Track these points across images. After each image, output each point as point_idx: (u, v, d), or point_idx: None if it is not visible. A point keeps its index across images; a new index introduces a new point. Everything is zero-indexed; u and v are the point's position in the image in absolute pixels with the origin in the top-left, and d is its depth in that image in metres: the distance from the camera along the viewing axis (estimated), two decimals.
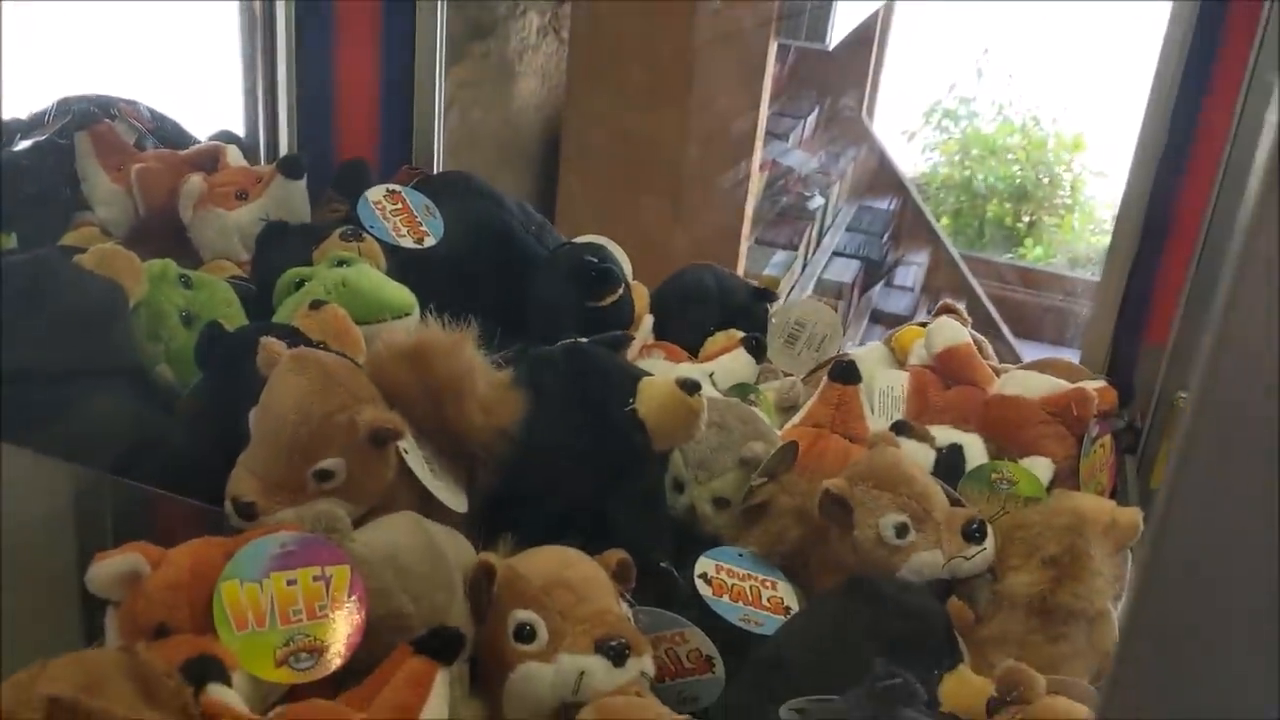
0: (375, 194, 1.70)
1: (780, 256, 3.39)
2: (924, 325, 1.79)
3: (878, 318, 3.93)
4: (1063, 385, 1.62)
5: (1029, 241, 5.61)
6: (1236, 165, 1.53)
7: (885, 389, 1.66)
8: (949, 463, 1.48)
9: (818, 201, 3.66)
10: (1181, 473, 0.47)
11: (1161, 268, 1.78)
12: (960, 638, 1.25)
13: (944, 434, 1.54)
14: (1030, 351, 3.74)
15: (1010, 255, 5.46)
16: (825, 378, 1.55)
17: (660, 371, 1.42)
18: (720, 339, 1.78)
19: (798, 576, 1.36)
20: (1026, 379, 1.66)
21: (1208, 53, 1.66)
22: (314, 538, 1.05)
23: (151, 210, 1.72)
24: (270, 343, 1.18)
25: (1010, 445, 1.57)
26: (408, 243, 1.66)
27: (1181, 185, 1.73)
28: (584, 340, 1.36)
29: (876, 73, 4.53)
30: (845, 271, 3.80)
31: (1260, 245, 0.42)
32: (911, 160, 5.56)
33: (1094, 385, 1.64)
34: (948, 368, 1.68)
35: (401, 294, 1.52)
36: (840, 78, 4.31)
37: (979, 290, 4.39)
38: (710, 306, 1.86)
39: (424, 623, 1.04)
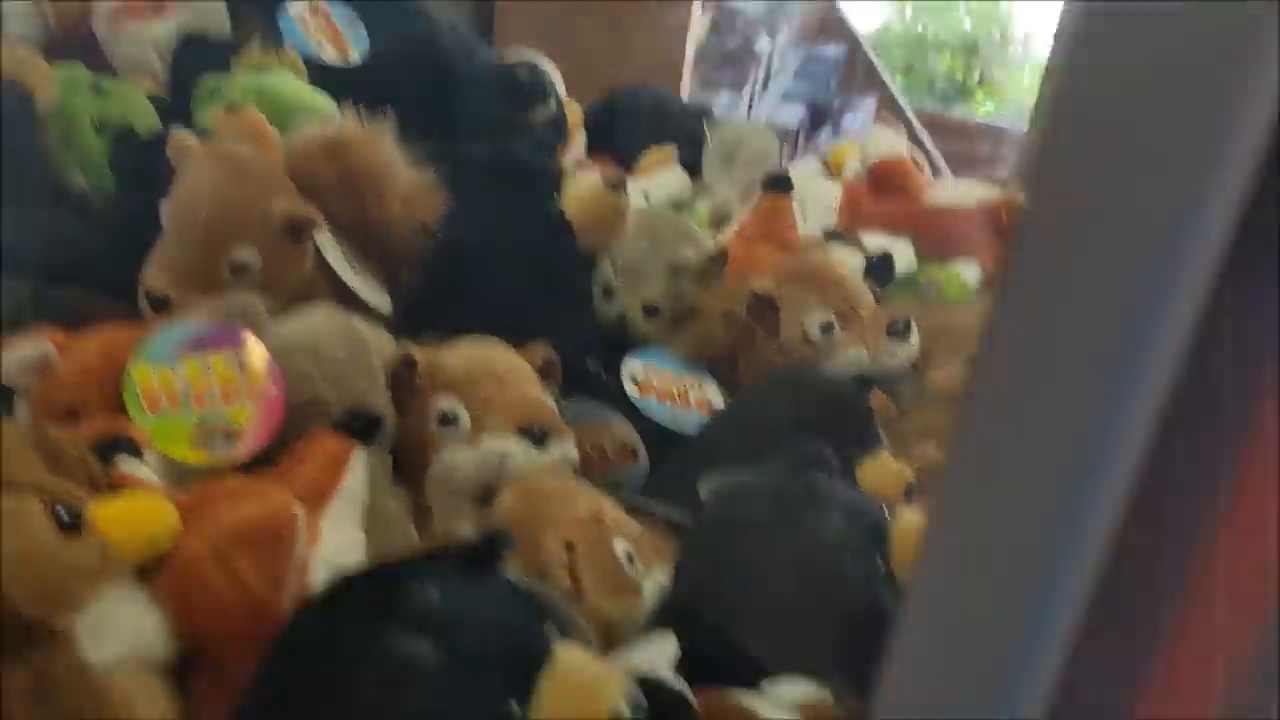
0: (297, 7, 1.64)
1: (726, 98, 3.34)
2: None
3: None
4: (994, 194, 1.62)
5: (980, 95, 5.58)
6: None
7: (817, 199, 1.65)
8: (879, 269, 1.47)
9: (764, 43, 3.59)
10: None
11: None
12: (883, 432, 1.26)
13: (875, 241, 1.54)
14: None
15: (960, 110, 5.42)
16: (759, 188, 1.54)
17: None
18: (654, 154, 1.76)
19: (726, 380, 1.37)
20: (959, 188, 1.65)
21: None
22: (228, 324, 1.03)
23: (64, 26, 1.65)
24: (180, 134, 1.14)
25: (940, 250, 1.57)
26: (330, 56, 1.61)
27: None
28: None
29: None
30: (792, 116, 3.75)
31: None
32: (861, 12, 5.46)
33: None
34: (883, 177, 1.67)
35: (323, 101, 1.48)
36: None
37: (927, 142, 4.35)
38: (644, 123, 1.83)
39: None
